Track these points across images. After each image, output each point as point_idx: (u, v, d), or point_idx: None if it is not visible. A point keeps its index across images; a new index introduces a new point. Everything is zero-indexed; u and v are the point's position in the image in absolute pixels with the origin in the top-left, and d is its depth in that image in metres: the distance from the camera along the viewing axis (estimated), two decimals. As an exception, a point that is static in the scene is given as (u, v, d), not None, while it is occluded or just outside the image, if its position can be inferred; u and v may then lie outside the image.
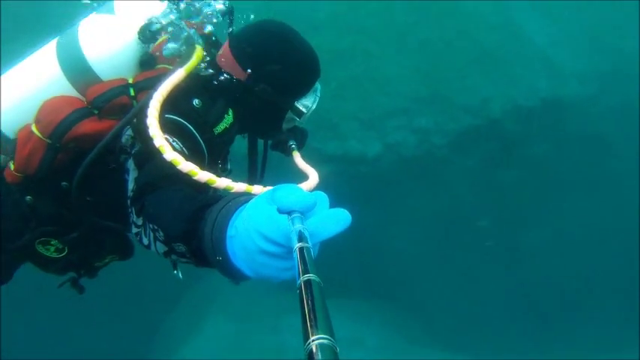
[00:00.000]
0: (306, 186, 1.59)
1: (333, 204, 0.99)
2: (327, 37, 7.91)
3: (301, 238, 0.82)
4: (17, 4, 7.81)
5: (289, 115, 2.01)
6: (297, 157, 1.99)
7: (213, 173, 1.32)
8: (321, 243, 0.94)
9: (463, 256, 8.91)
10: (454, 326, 8.75)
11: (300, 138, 2.11)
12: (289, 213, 0.90)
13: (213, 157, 1.78)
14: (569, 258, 9.08)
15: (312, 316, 0.65)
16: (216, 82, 1.89)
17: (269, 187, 1.23)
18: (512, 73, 8.35)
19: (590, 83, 8.73)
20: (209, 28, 2.00)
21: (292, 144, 2.05)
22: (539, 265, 9.10)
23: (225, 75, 1.91)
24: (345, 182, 8.10)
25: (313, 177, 1.68)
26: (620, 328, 8.59)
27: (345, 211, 0.92)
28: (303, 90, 1.99)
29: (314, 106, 2.03)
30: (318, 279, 0.72)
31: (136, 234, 1.48)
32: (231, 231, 1.01)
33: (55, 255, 2.01)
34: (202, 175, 1.29)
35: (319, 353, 0.60)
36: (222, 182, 1.30)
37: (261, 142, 2.23)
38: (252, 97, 1.92)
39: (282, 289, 7.47)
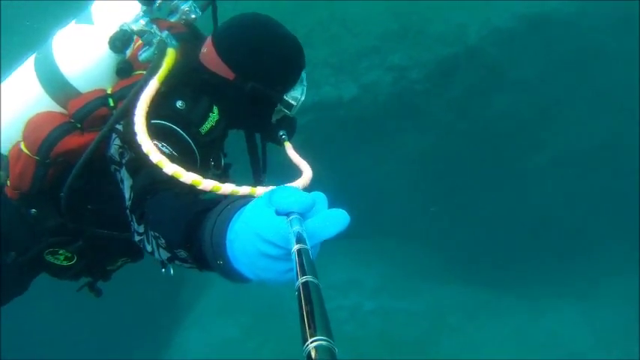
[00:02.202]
0: (299, 183, 1.60)
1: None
2: (290, -16, 7.87)
3: (299, 239, 0.83)
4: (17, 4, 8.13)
5: (278, 107, 2.00)
6: (290, 149, 1.98)
7: (206, 173, 1.40)
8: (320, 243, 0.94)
9: (461, 187, 8.77)
10: (457, 258, 8.69)
11: (290, 127, 2.09)
12: (287, 214, 0.91)
13: (203, 156, 1.78)
14: (574, 180, 8.74)
15: (310, 318, 0.66)
16: (200, 81, 1.89)
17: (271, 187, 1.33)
18: (484, -6, 8.00)
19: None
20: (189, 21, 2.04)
21: (283, 134, 2.05)
22: (543, 190, 8.82)
23: (211, 74, 1.90)
24: (326, 129, 8.15)
25: (306, 173, 1.68)
26: (621, 251, 8.25)
27: (344, 211, 0.92)
28: (291, 83, 1.98)
29: (303, 97, 2.02)
30: (316, 280, 0.73)
31: (139, 241, 1.49)
32: (230, 235, 1.02)
33: (65, 263, 2.06)
34: (206, 184, 1.30)
35: (318, 355, 0.61)
36: (226, 188, 1.30)
37: (258, 135, 2.24)
38: (241, 96, 1.91)
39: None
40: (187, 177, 1.29)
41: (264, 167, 2.25)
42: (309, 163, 1.81)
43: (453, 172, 8.76)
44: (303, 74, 2.03)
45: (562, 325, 7.41)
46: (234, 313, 8.10)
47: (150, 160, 1.38)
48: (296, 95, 1.99)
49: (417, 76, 8.06)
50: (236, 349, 7.70)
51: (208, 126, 1.81)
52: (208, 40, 1.94)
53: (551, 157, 8.77)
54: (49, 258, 2.03)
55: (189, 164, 1.39)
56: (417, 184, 8.88)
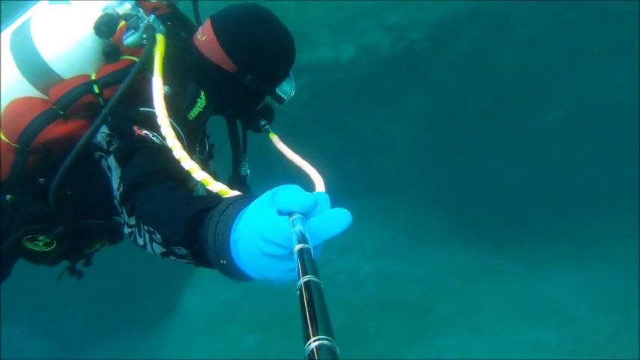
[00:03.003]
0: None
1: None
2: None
3: (302, 239, 0.84)
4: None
5: (267, 99, 2.00)
6: (279, 143, 1.97)
7: (192, 158, 1.37)
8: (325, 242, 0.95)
9: (465, 148, 8.60)
10: (461, 219, 8.59)
11: (270, 116, 2.08)
12: (290, 214, 0.92)
13: (190, 142, 1.75)
14: (581, 142, 8.47)
15: (312, 317, 0.67)
16: (191, 66, 1.86)
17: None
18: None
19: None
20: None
21: (264, 124, 2.04)
22: (548, 152, 8.58)
23: (210, 64, 1.86)
24: (324, 91, 8.05)
25: (318, 184, 1.60)
26: (624, 215, 8.00)
27: (346, 210, 0.93)
28: (285, 76, 1.99)
29: (293, 92, 2.02)
30: (318, 280, 0.74)
31: (130, 234, 1.45)
32: (234, 235, 1.02)
33: (44, 249, 2.00)
34: (215, 186, 1.29)
35: (319, 354, 0.62)
36: (232, 194, 1.27)
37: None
38: (238, 88, 1.89)
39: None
40: (215, 186, 1.28)
41: (245, 149, 2.24)
42: (302, 157, 1.80)
43: (457, 133, 8.59)
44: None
45: (561, 290, 7.28)
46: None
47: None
48: (287, 89, 2.00)
49: (418, 36, 7.82)
50: (235, 309, 7.87)
51: (196, 112, 1.78)
52: (208, 27, 1.87)
53: (558, 118, 8.51)
54: (28, 245, 1.96)
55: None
56: (421, 145, 8.75)
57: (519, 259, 7.91)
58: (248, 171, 2.26)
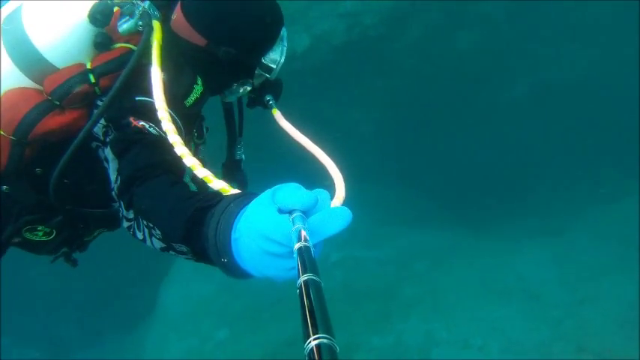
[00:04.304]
0: (337, 201, 1.32)
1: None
2: None
3: (302, 237, 0.84)
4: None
5: (258, 71, 1.88)
6: (282, 120, 1.87)
7: (189, 145, 1.38)
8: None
9: (433, 129, 8.55)
10: (432, 200, 8.56)
11: (275, 90, 2.00)
12: (290, 212, 0.93)
13: (187, 129, 1.73)
14: (559, 108, 8.37)
15: (312, 316, 0.67)
16: (178, 50, 1.79)
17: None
18: None
19: None
20: None
21: (269, 99, 1.95)
22: (517, 126, 8.51)
23: (184, 42, 1.80)
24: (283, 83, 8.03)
25: (340, 188, 1.39)
26: (619, 176, 7.89)
27: (346, 208, 0.94)
28: (268, 44, 1.86)
29: (282, 59, 1.90)
30: (317, 278, 0.74)
31: (128, 227, 1.44)
32: (235, 234, 1.02)
33: (44, 239, 1.98)
34: (216, 184, 1.25)
35: (319, 353, 0.62)
36: (233, 192, 1.25)
37: (235, 99, 2.13)
38: (216, 62, 1.81)
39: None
40: (217, 183, 1.25)
41: (241, 131, 2.19)
42: (302, 132, 1.72)
43: (421, 115, 8.55)
44: (284, 32, 1.91)
45: (529, 267, 7.22)
46: (208, 269, 8.27)
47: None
48: (275, 57, 1.87)
49: (372, 21, 7.77)
50: (207, 305, 7.92)
51: (193, 98, 1.75)
52: (177, 6, 1.83)
53: (521, 94, 8.42)
54: (28, 235, 1.95)
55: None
56: (386, 129, 8.71)
57: (489, 237, 7.88)
58: (243, 156, 2.21)
